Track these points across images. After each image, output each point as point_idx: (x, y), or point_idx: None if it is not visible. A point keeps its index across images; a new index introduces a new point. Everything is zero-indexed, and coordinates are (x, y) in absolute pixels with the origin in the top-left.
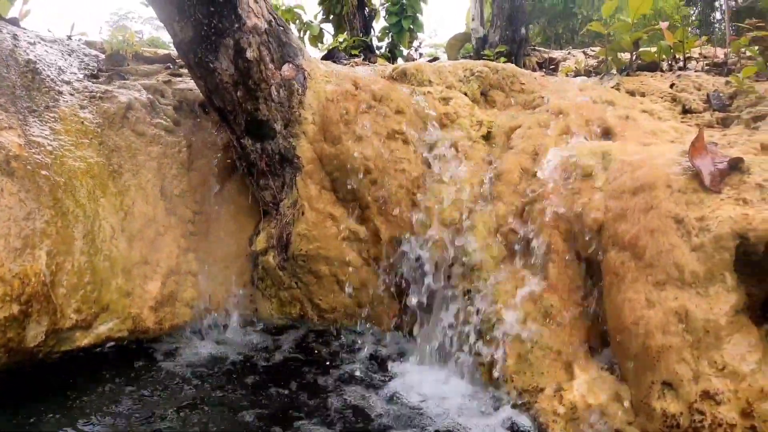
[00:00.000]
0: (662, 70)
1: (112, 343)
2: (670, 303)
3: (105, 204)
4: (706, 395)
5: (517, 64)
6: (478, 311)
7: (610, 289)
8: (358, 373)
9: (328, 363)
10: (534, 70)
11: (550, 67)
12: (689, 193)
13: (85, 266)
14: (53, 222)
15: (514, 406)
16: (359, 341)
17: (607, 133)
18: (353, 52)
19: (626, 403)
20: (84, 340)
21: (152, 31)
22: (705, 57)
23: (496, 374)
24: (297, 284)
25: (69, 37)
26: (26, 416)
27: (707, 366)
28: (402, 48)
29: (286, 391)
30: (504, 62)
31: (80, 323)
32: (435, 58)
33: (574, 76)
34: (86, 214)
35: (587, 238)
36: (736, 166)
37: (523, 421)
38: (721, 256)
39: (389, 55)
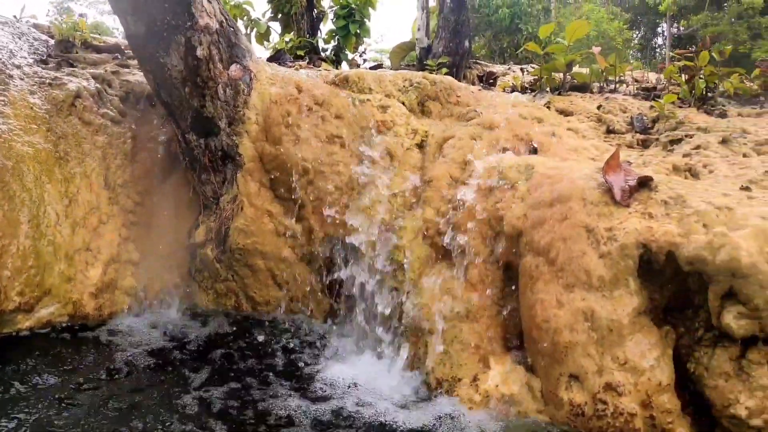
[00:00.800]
0: (592, 92)
1: (53, 327)
2: (577, 304)
3: (51, 190)
4: (609, 387)
5: (458, 76)
6: (403, 307)
7: (525, 290)
8: (283, 360)
9: (256, 350)
10: (473, 82)
11: (489, 81)
12: (601, 206)
13: (29, 250)
14: (0, 205)
15: (434, 395)
16: (290, 332)
17: (534, 148)
18: (299, 52)
19: (537, 394)
20: (26, 323)
21: (96, 16)
22: (637, 81)
23: (419, 365)
24: (233, 277)
25: (17, 19)
26: None
27: (610, 361)
28: (347, 52)
29: (209, 366)
30: (445, 73)
31: (23, 306)
32: (380, 65)
33: (511, 92)
34: (32, 199)
35: (507, 243)
36: (645, 183)
37: (443, 407)
38: (626, 263)
39: (334, 58)
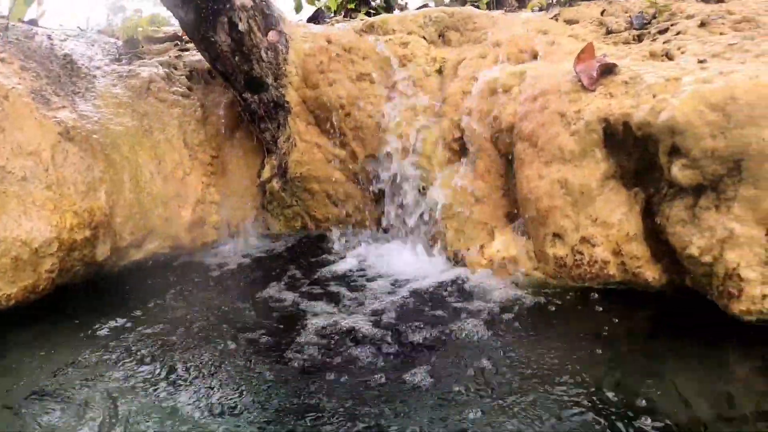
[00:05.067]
0: None
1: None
2: (554, 175)
3: (143, 155)
4: (584, 240)
5: (499, 3)
6: (428, 201)
7: (517, 171)
8: (346, 252)
9: (318, 254)
10: (513, 6)
11: (516, 2)
12: (572, 93)
13: (133, 201)
14: (107, 171)
15: (453, 264)
16: (346, 239)
17: (535, 58)
18: (349, 6)
19: (531, 254)
20: (138, 255)
21: (150, 8)
22: None
23: (441, 244)
24: (297, 202)
25: (81, 30)
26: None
27: (584, 219)
28: None
29: (292, 266)
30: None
31: (134, 243)
32: (425, 5)
33: (539, 10)
34: (130, 164)
35: (504, 137)
36: (610, 69)
37: (459, 272)
38: (591, 137)
39: (384, 5)
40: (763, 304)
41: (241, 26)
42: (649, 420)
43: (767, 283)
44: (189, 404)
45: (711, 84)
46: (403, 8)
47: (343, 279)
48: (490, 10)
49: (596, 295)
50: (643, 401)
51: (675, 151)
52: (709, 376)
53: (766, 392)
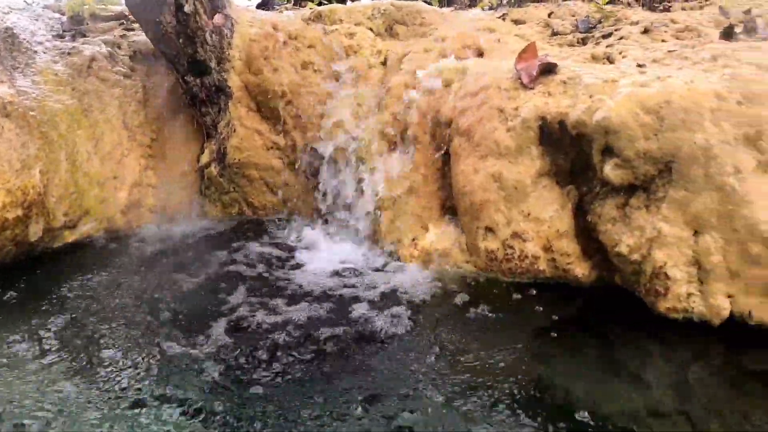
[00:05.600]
0: (542, 0)
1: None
2: (489, 169)
3: (81, 134)
4: (516, 235)
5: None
6: (365, 192)
7: (453, 165)
8: (280, 240)
9: (253, 241)
10: (462, 3)
11: (468, 1)
12: (511, 91)
13: (69, 180)
14: (43, 149)
15: (387, 254)
16: (282, 227)
17: (480, 55)
18: None
19: (464, 247)
20: (71, 237)
21: None
22: None
23: (375, 235)
24: (234, 188)
25: (28, 3)
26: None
27: (517, 214)
28: None
29: (225, 253)
30: None
31: (68, 223)
32: None
33: (490, 9)
34: (67, 142)
35: (442, 131)
36: (550, 69)
37: (391, 263)
38: (527, 134)
39: None
40: (689, 302)
41: (187, 8)
42: (571, 413)
43: (693, 282)
44: (97, 392)
45: (647, 88)
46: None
47: (273, 268)
48: (441, 7)
49: (527, 290)
50: (568, 395)
51: (608, 151)
52: (632, 371)
53: (687, 387)
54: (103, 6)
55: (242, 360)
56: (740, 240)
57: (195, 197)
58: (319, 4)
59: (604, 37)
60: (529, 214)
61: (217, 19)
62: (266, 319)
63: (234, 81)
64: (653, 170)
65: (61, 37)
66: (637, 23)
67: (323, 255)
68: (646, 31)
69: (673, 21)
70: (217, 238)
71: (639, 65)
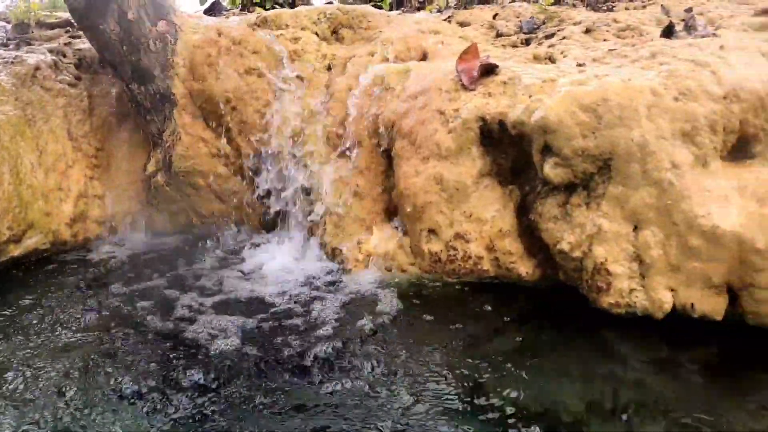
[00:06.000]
0: (488, 2)
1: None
2: (430, 171)
3: (24, 146)
4: (458, 236)
5: (400, 4)
6: (309, 197)
7: (395, 167)
8: (226, 249)
9: (205, 248)
10: (413, 7)
11: (417, 4)
12: (452, 92)
13: (13, 193)
14: None
15: (332, 258)
16: (229, 234)
17: (425, 57)
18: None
19: (408, 250)
20: (16, 251)
21: None
22: None
23: (320, 239)
24: (181, 197)
25: None
26: None
27: (459, 215)
28: None
29: (172, 263)
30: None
31: (12, 237)
32: (329, 1)
33: (438, 12)
34: (10, 154)
35: (386, 134)
36: (491, 70)
37: (336, 268)
38: (468, 135)
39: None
40: (631, 297)
41: (131, 15)
42: (518, 411)
43: (634, 278)
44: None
45: (585, 86)
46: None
47: (219, 276)
48: (391, 10)
49: (472, 291)
50: (514, 394)
51: (547, 150)
52: (577, 366)
53: (630, 381)
54: (49, 13)
55: (178, 373)
56: (679, 234)
57: (142, 207)
58: (271, 8)
59: (547, 37)
60: (471, 215)
61: (161, 26)
62: (208, 330)
63: (178, 88)
64: (592, 168)
65: (5, 45)
66: (579, 23)
67: (268, 262)
68: (588, 31)
69: (615, 20)
70: (163, 248)
71: (579, 64)
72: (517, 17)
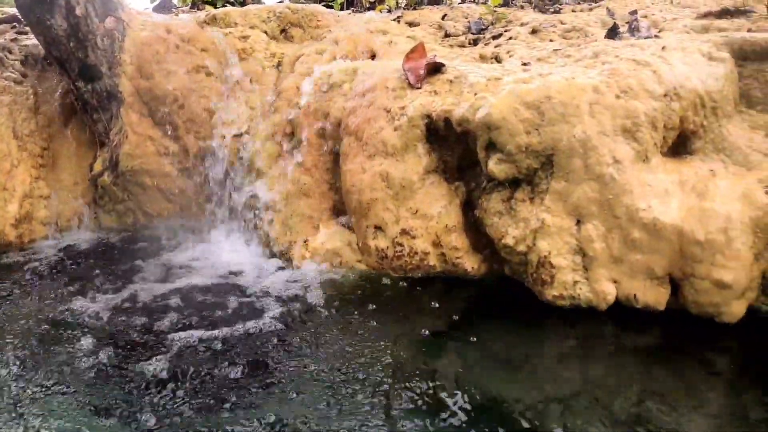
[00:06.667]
0: (437, 3)
1: None
2: (376, 168)
3: None
4: (405, 232)
5: (350, 4)
6: (258, 195)
7: (342, 165)
8: (174, 249)
9: (152, 248)
10: (364, 7)
11: (368, 4)
12: (398, 90)
13: None
14: None
15: (279, 257)
16: (176, 233)
17: (373, 56)
18: None
19: (355, 247)
20: None
21: None
22: None
23: (268, 238)
24: (129, 197)
25: None
26: None
27: (405, 211)
28: None
29: (118, 264)
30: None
31: None
32: (280, 0)
33: (387, 12)
34: None
35: (332, 132)
36: (437, 69)
37: (283, 264)
38: (413, 132)
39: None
40: (575, 289)
41: (79, 10)
42: (467, 405)
43: (578, 270)
44: None
45: (529, 84)
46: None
47: (163, 275)
48: (342, 10)
49: (419, 287)
50: (462, 388)
51: (491, 147)
52: (523, 359)
53: (572, 372)
54: None
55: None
56: (621, 227)
57: (89, 207)
58: (223, 6)
59: (495, 38)
60: (417, 211)
61: (109, 22)
62: (147, 327)
63: (125, 86)
64: (535, 163)
65: None
66: (526, 24)
67: (215, 261)
68: (534, 32)
69: (561, 22)
70: (110, 249)
71: (524, 63)
72: (466, 18)
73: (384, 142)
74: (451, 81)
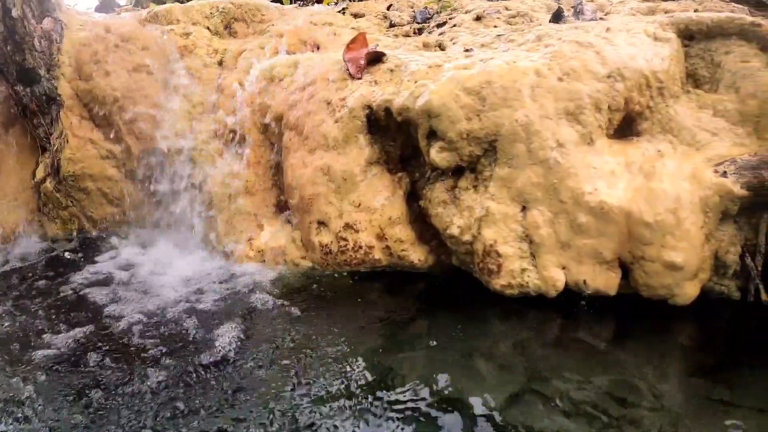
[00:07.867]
0: None
1: None
2: (317, 162)
3: None
4: (348, 226)
5: None
6: (201, 194)
7: (283, 160)
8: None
9: (95, 254)
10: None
11: None
12: (339, 82)
13: None
14: None
15: (224, 257)
16: (121, 238)
17: (317, 49)
18: None
19: (299, 243)
20: None
21: None
22: None
23: (211, 237)
24: (72, 203)
25: None
26: None
27: (348, 205)
28: None
29: (61, 272)
30: None
31: None
32: None
33: (335, 4)
34: None
35: (274, 127)
36: (378, 58)
37: (229, 265)
38: (354, 123)
39: None
40: (523, 277)
41: (15, 12)
42: (420, 399)
43: (525, 258)
44: None
45: (470, 70)
46: None
47: (107, 282)
48: (291, 3)
49: (366, 281)
50: (414, 382)
51: (433, 135)
52: (475, 350)
53: (525, 361)
54: None
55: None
56: (567, 211)
57: (32, 215)
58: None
59: (439, 26)
60: (360, 204)
61: (46, 23)
62: (97, 336)
63: (64, 88)
64: (478, 150)
65: None
66: (471, 11)
67: (159, 262)
68: (479, 18)
69: (506, 8)
70: (54, 258)
71: (466, 50)
72: (411, 8)
73: (325, 135)
74: (391, 70)
